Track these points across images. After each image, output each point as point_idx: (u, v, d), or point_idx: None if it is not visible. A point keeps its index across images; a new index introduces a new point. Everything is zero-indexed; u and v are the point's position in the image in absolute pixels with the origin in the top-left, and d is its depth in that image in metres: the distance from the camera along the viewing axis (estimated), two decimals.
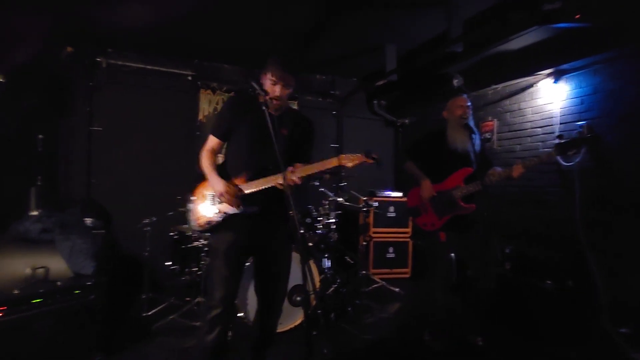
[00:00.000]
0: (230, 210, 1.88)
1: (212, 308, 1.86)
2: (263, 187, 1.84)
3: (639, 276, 2.61)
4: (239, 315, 2.70)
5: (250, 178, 1.87)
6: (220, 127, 1.97)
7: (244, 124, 1.91)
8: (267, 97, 1.76)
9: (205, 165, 1.95)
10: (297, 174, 1.75)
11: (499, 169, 2.39)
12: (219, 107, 4.31)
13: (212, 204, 1.94)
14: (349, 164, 1.76)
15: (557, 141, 2.30)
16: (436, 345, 2.60)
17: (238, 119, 1.92)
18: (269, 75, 1.85)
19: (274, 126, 1.79)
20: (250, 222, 1.89)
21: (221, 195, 1.84)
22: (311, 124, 2.07)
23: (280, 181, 1.75)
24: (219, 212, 1.92)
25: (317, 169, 1.77)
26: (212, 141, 1.99)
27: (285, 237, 2.03)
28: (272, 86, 1.83)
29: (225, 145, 2.02)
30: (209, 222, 1.94)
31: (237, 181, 1.89)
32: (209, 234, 2.12)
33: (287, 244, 2.06)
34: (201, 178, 2.02)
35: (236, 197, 1.84)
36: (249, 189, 1.87)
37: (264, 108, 1.72)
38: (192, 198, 2.02)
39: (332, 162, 1.76)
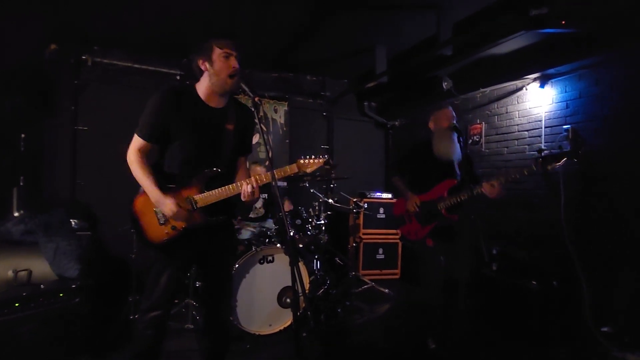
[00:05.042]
0: (190, 225, 1.72)
1: (153, 309, 1.74)
2: (224, 197, 1.73)
3: (621, 277, 2.68)
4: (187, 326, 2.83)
5: (204, 188, 1.73)
6: (152, 128, 1.69)
7: (183, 124, 1.70)
8: (226, 78, 1.68)
9: (140, 176, 1.70)
10: (252, 184, 1.69)
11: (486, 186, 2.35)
12: None
13: (164, 221, 1.72)
14: (308, 170, 1.76)
15: (540, 154, 2.25)
16: (443, 353, 2.53)
17: (174, 119, 1.70)
18: (217, 52, 1.68)
19: (219, 121, 1.75)
20: (202, 230, 1.77)
21: (173, 217, 1.67)
22: (252, 112, 1.86)
23: (239, 189, 1.70)
24: (177, 227, 1.72)
25: (279, 177, 1.73)
26: (139, 143, 1.72)
27: (227, 235, 1.95)
28: (226, 61, 1.68)
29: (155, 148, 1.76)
30: (168, 239, 1.73)
31: (188, 192, 1.71)
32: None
33: (230, 241, 2.01)
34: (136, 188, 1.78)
35: (190, 214, 1.70)
36: (207, 201, 1.72)
37: (253, 109, 1.66)
38: (134, 215, 1.77)
39: (292, 169, 1.75)
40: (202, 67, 1.74)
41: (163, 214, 1.71)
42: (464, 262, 2.55)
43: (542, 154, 2.24)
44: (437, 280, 2.56)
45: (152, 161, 1.76)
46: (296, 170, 1.75)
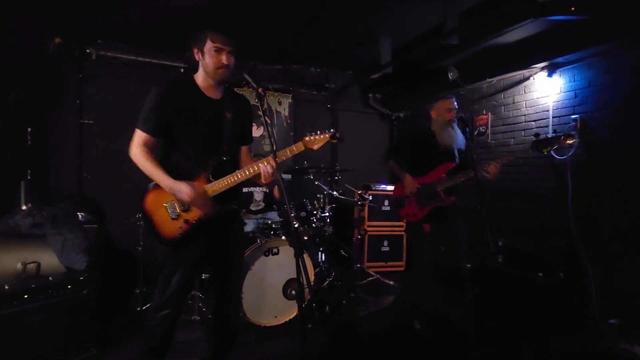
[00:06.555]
0: (203, 216, 1.72)
1: (165, 307, 1.75)
2: (233, 185, 1.73)
3: (628, 269, 2.65)
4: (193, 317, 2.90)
5: (212, 177, 1.72)
6: (155, 121, 1.68)
7: (185, 116, 1.70)
8: (218, 70, 1.70)
9: (148, 168, 1.67)
10: (271, 164, 1.69)
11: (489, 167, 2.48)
12: None
13: (176, 216, 1.72)
14: (315, 146, 1.73)
15: (537, 137, 2.41)
16: (427, 332, 2.66)
17: (176, 111, 1.69)
18: (209, 45, 1.67)
19: (218, 111, 1.75)
20: (213, 222, 1.77)
21: (192, 201, 1.65)
22: (249, 102, 1.95)
23: (257, 171, 1.69)
24: (190, 220, 1.72)
25: (286, 156, 1.73)
26: (143, 137, 1.69)
27: (237, 227, 1.97)
28: (217, 55, 1.68)
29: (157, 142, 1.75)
30: (180, 233, 1.72)
31: (197, 183, 1.70)
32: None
33: (239, 232, 2.01)
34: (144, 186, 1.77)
35: (205, 199, 1.69)
36: (216, 189, 1.72)
37: (257, 100, 1.64)
38: (146, 213, 1.76)
39: (299, 147, 1.74)
40: (197, 57, 1.75)
41: (175, 207, 1.72)
42: (461, 249, 2.66)
43: (538, 137, 2.38)
44: (427, 267, 2.67)
45: (157, 156, 1.75)
46: (303, 148, 1.74)
